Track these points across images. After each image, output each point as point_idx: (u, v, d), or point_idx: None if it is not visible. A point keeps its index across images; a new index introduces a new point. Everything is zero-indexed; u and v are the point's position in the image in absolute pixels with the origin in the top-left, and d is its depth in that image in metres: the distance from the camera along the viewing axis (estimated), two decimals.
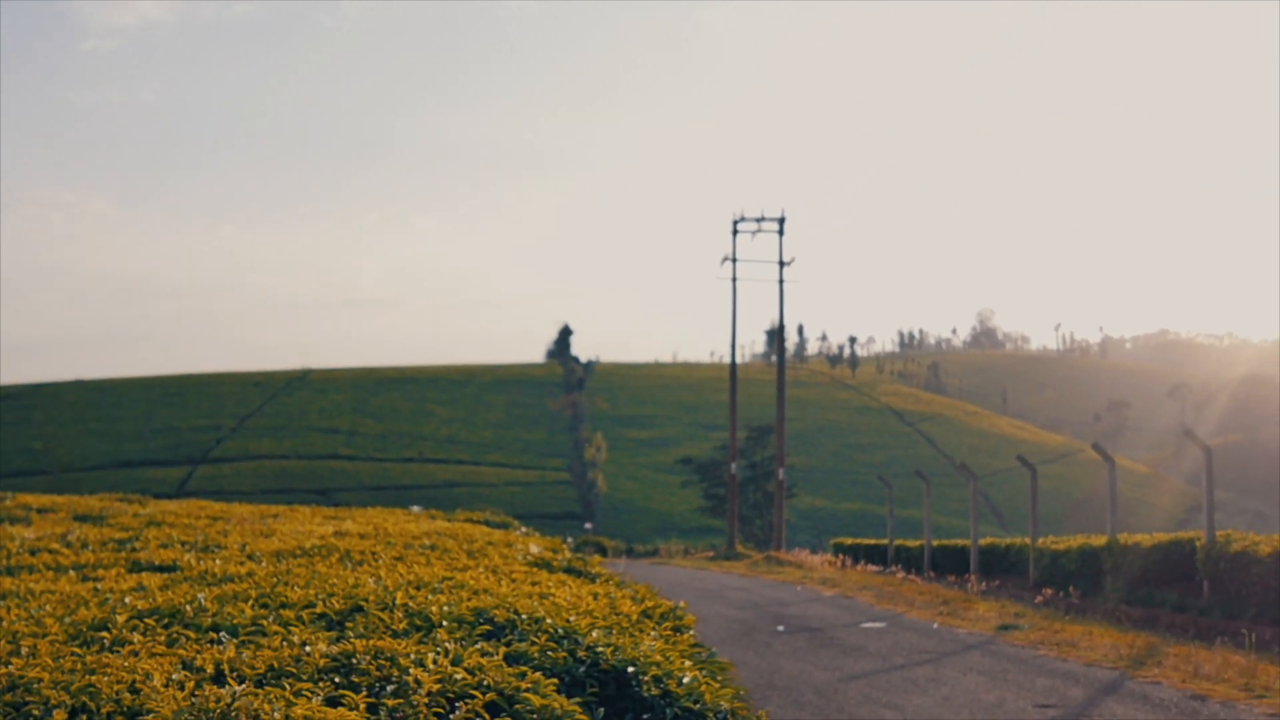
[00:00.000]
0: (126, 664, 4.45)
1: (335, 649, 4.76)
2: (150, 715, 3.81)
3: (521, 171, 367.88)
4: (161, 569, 9.53)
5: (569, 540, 29.15)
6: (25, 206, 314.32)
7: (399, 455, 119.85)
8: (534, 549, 12.22)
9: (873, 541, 31.86)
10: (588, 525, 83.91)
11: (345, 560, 9.45)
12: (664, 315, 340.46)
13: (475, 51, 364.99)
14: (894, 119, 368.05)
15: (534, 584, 7.98)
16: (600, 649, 5.32)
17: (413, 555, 10.10)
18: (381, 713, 4.14)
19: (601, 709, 4.88)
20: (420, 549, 10.95)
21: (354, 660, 4.63)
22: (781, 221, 43.53)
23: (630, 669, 5.19)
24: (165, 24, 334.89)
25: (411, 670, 4.45)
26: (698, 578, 25.93)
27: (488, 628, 5.64)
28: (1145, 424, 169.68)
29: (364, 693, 4.28)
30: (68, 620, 5.77)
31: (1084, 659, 11.26)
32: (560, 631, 5.56)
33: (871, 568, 26.94)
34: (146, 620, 5.62)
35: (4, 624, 5.85)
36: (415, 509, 25.94)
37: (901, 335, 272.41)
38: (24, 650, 4.88)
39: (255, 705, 3.89)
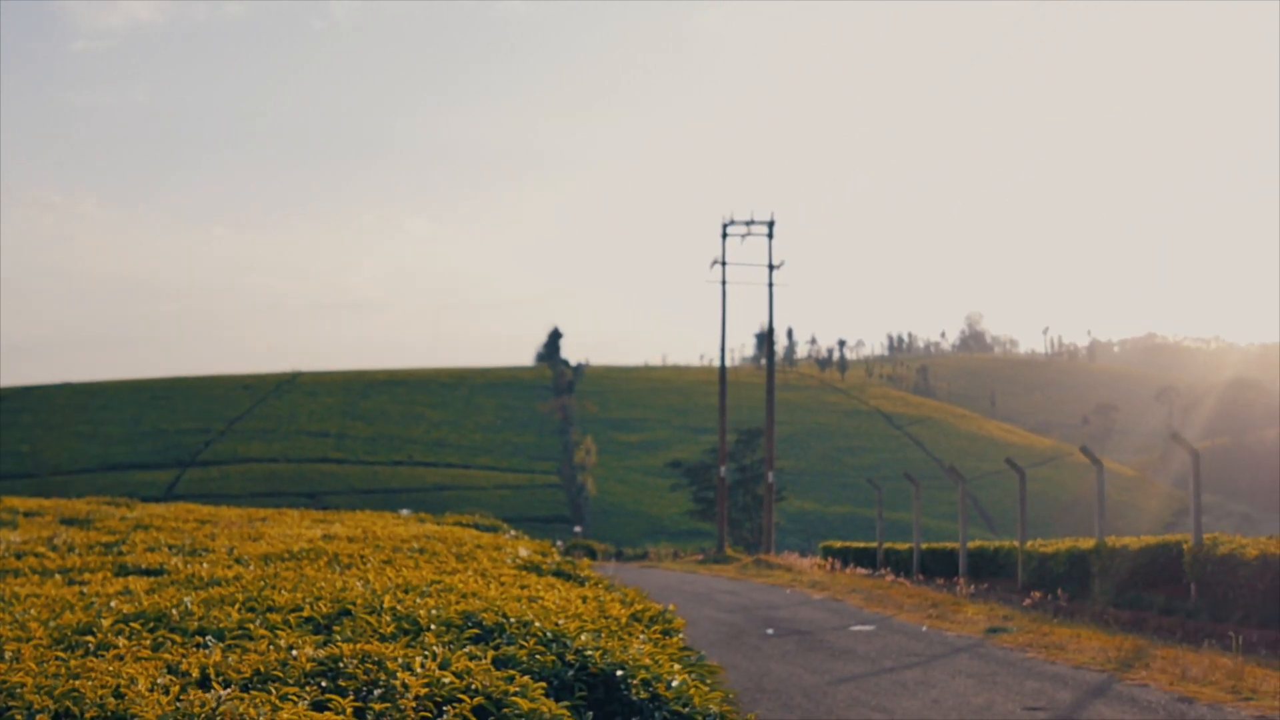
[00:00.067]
0: (111, 668, 4.42)
1: (322, 653, 4.74)
2: None
3: (512, 174, 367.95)
4: (148, 572, 9.48)
5: (558, 543, 29.12)
6: (15, 208, 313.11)
7: (388, 458, 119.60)
8: (523, 552, 12.19)
9: (862, 545, 31.87)
10: (577, 528, 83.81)
11: (333, 564, 9.42)
12: (654, 318, 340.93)
13: (467, 54, 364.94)
14: (884, 123, 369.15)
15: (523, 587, 7.96)
16: (589, 652, 5.30)
17: (401, 558, 10.07)
18: (369, 717, 4.12)
19: (590, 712, 4.87)
20: (409, 552, 10.92)
21: (341, 664, 4.60)
22: (771, 225, 43.56)
23: (619, 672, 5.17)
24: (156, 25, 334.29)
25: (399, 674, 4.43)
26: (687, 581, 25.92)
27: (476, 631, 5.62)
28: (1133, 427, 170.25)
29: (351, 697, 4.25)
30: (52, 624, 5.73)
31: (1072, 661, 11.28)
32: (549, 635, 5.54)
33: (860, 571, 26.96)
34: (132, 624, 5.58)
35: None
36: (404, 512, 25.88)
37: (890, 339, 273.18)
38: (7, 655, 4.84)
39: (241, 709, 3.87)
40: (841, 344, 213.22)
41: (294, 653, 4.76)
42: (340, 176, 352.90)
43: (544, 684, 4.70)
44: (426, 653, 4.84)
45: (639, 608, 7.88)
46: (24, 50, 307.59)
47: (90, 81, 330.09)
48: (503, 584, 8.07)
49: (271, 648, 4.89)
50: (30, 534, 13.66)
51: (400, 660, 4.63)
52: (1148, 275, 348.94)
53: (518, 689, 4.49)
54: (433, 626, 5.60)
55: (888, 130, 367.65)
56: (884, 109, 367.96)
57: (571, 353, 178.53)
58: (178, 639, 5.20)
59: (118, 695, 4.06)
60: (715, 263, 44.15)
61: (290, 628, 5.57)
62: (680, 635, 7.52)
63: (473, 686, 4.43)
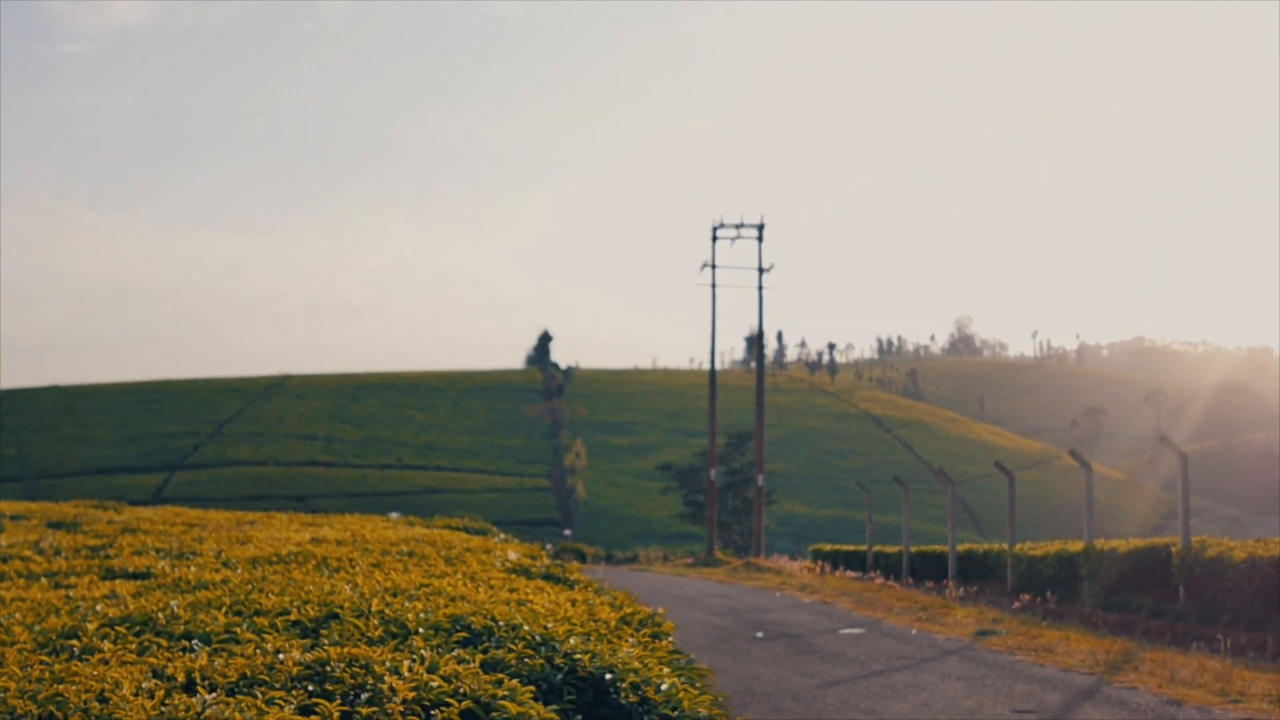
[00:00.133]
0: (96, 672, 4.38)
1: (309, 656, 4.71)
2: None
3: (502, 178, 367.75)
4: (135, 576, 9.42)
5: (548, 547, 29.07)
6: (2, 210, 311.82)
7: (377, 462, 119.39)
8: (512, 555, 12.16)
9: (851, 548, 31.90)
10: (567, 532, 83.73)
11: (322, 567, 9.38)
12: (644, 321, 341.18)
13: (456, 57, 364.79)
14: (874, 126, 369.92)
15: (512, 590, 7.93)
16: (578, 656, 5.28)
17: (390, 562, 10.03)
18: None
19: (579, 716, 4.85)
20: (398, 556, 10.87)
21: (328, 668, 4.57)
22: (760, 228, 43.60)
23: (608, 676, 5.15)
24: (142, 27, 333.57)
25: (386, 678, 4.40)
26: (677, 584, 25.90)
27: (464, 635, 5.60)
28: (1121, 430, 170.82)
29: (338, 701, 4.22)
30: (37, 628, 5.69)
31: (1061, 664, 11.30)
32: (538, 638, 5.51)
33: (850, 574, 26.98)
34: (118, 628, 5.54)
35: None
36: (394, 515, 25.82)
37: (880, 342, 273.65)
38: None
39: (226, 714, 3.84)
40: (831, 347, 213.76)
41: (281, 656, 4.72)
42: (329, 179, 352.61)
43: (533, 687, 4.68)
44: (414, 656, 4.81)
45: (628, 611, 7.86)
46: (11, 52, 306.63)
47: (78, 84, 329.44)
48: (491, 587, 8.04)
49: (258, 651, 4.86)
50: (16, 537, 13.57)
51: (388, 664, 4.60)
52: (1136, 279, 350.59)
53: (506, 693, 4.47)
54: (421, 630, 5.57)
55: (878, 134, 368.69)
56: (874, 113, 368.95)
57: (561, 356, 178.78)
58: (164, 643, 5.16)
59: (102, 700, 4.03)
60: (705, 266, 44.18)
61: (277, 631, 5.54)
62: (670, 638, 7.50)
63: (461, 690, 4.41)
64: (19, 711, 3.93)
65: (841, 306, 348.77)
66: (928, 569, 24.66)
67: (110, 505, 22.38)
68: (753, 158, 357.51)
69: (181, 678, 4.42)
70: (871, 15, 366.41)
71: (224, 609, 6.13)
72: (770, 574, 28.98)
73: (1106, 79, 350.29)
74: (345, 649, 4.78)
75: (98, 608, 6.33)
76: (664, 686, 5.22)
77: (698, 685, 5.76)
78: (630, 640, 6.47)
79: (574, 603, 7.63)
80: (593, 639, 5.82)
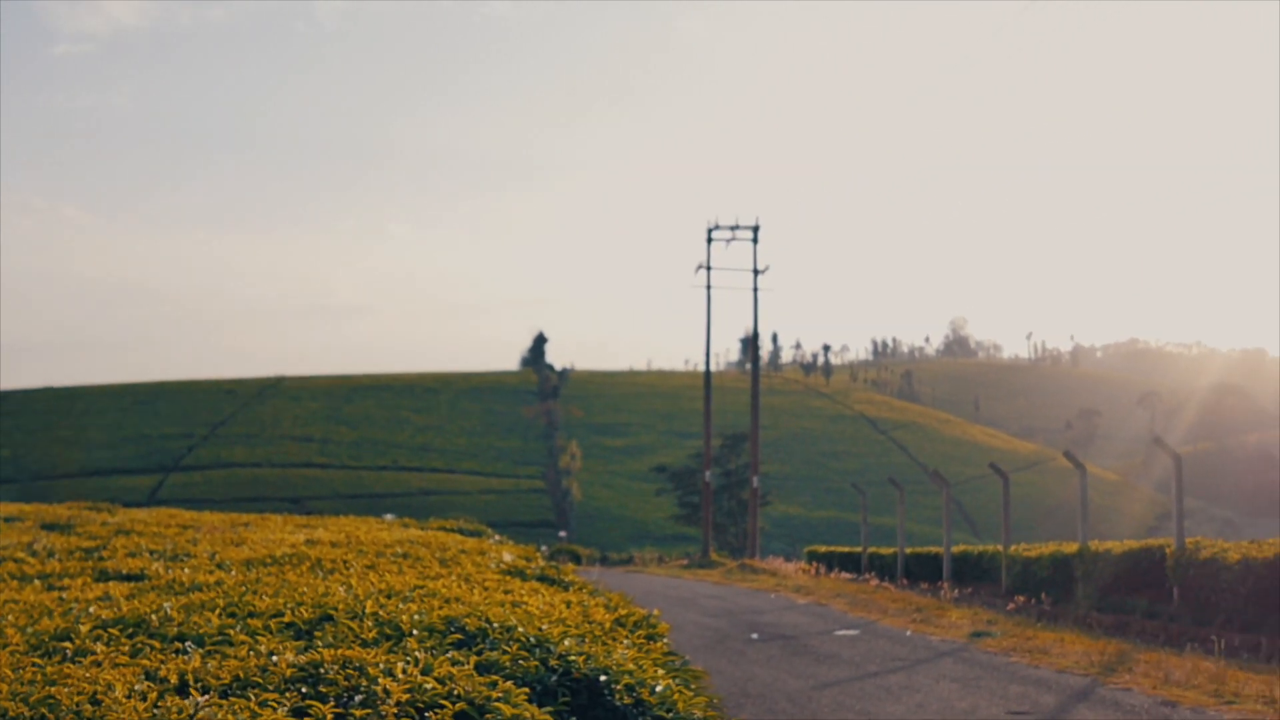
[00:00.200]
0: (88, 674, 4.37)
1: (303, 658, 4.69)
2: None
3: (497, 180, 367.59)
4: (129, 578, 9.40)
5: (543, 548, 29.05)
6: None
7: (373, 463, 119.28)
8: (507, 557, 12.15)
9: (846, 549, 31.91)
10: (562, 533, 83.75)
11: (316, 569, 9.36)
12: (639, 323, 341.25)
13: (450, 59, 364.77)
14: (869, 128, 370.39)
15: (506, 592, 7.92)
16: (572, 657, 5.28)
17: (384, 563, 10.01)
18: None
19: (573, 718, 4.84)
20: (392, 557, 10.86)
21: (322, 670, 4.56)
22: (756, 230, 43.61)
23: (603, 678, 5.15)
24: (138, 29, 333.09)
25: (380, 680, 4.39)
26: (672, 586, 25.89)
27: (459, 636, 5.59)
28: (1116, 432, 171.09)
29: (331, 703, 4.21)
30: (30, 630, 5.67)
31: (1056, 665, 11.31)
32: (532, 640, 5.51)
33: (845, 575, 26.98)
34: (111, 630, 5.53)
35: None
36: (389, 517, 25.80)
37: (875, 343, 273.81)
38: None
39: (219, 716, 3.83)
40: (826, 349, 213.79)
41: (274, 658, 4.71)
42: (324, 181, 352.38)
43: (527, 689, 4.67)
44: (408, 658, 4.80)
45: (623, 613, 7.85)
46: (8, 53, 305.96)
47: (72, 85, 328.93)
48: (486, 589, 8.03)
49: (251, 653, 4.85)
50: (10, 539, 13.54)
51: (382, 666, 4.59)
52: (1131, 281, 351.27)
53: (500, 694, 4.46)
54: (415, 632, 5.56)
55: (873, 135, 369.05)
56: (869, 114, 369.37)
57: (556, 357, 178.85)
58: (157, 645, 5.14)
59: (94, 702, 4.02)
60: (700, 267, 44.19)
61: (271, 633, 5.53)
62: (664, 640, 7.50)
63: (455, 692, 4.40)
64: (11, 714, 3.92)
65: (836, 308, 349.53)
66: (923, 570, 24.67)
67: (104, 507, 22.34)
68: (748, 159, 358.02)
69: (174, 680, 4.41)
70: (867, 17, 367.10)
71: (218, 611, 6.11)
72: (765, 575, 28.98)
73: (1100, 81, 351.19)
74: (339, 651, 4.77)
75: (91, 610, 6.31)
76: (658, 688, 5.22)
77: (692, 687, 5.76)
78: (625, 642, 6.46)
79: (569, 604, 7.62)
80: (587, 641, 5.81)
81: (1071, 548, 18.50)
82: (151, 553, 11.56)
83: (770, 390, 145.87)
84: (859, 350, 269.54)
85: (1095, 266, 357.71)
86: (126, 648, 5.08)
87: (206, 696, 4.07)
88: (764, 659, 12.16)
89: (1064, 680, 10.44)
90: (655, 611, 8.54)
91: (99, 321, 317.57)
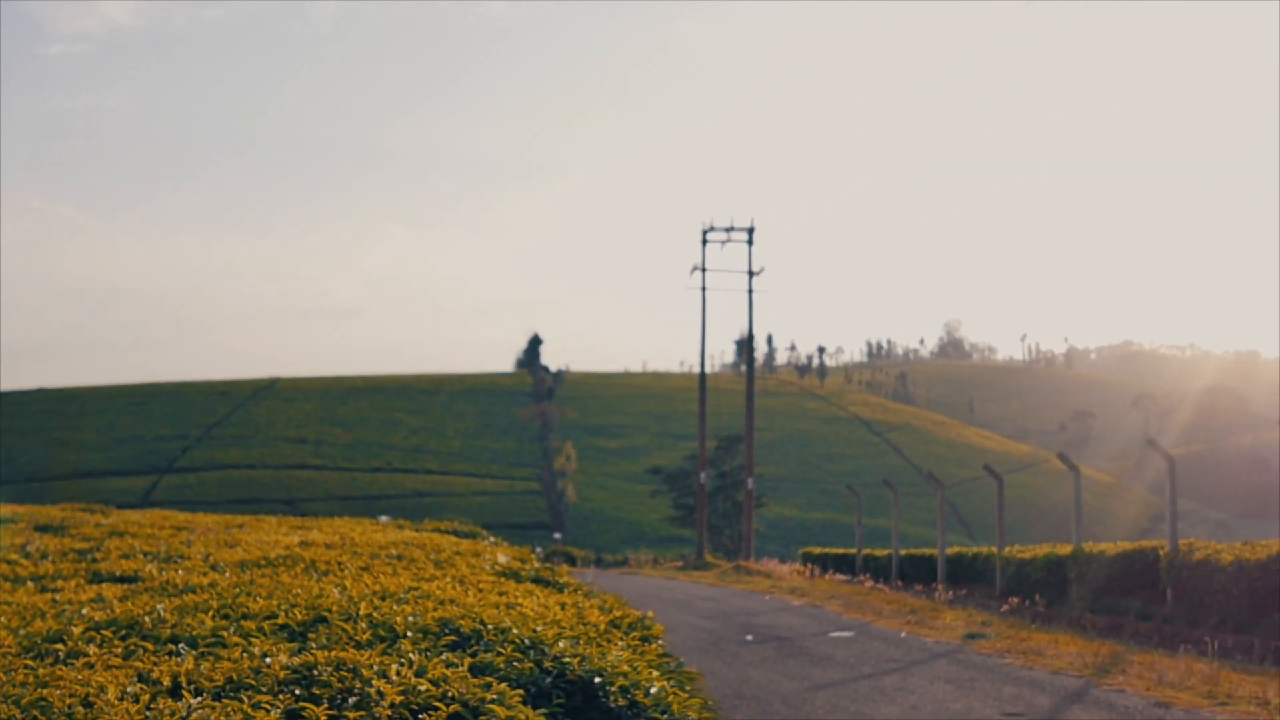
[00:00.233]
0: (80, 676, 4.36)
1: (296, 660, 4.69)
2: None
3: (492, 181, 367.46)
4: (122, 580, 9.38)
5: (538, 550, 29.06)
6: None
7: (367, 465, 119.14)
8: (502, 559, 12.14)
9: (841, 551, 31.93)
10: (557, 535, 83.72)
11: (310, 570, 9.34)
12: (634, 325, 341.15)
13: (446, 61, 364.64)
14: (864, 130, 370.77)
15: (501, 594, 7.91)
16: (567, 659, 5.27)
17: (379, 565, 10.00)
18: None
19: None
20: (387, 559, 10.84)
21: (315, 672, 4.55)
22: (751, 231, 43.64)
23: (597, 679, 5.14)
24: (134, 29, 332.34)
25: (374, 682, 4.38)
26: (666, 587, 25.88)
27: (453, 638, 5.58)
28: (1109, 434, 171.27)
29: (325, 705, 4.20)
30: (22, 632, 5.66)
31: (1050, 667, 11.32)
32: (527, 642, 5.50)
33: (840, 577, 26.99)
34: (104, 632, 5.51)
35: None
36: (383, 519, 25.79)
37: (869, 345, 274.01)
38: None
39: (212, 718, 3.82)
40: (821, 350, 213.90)
41: (268, 660, 4.70)
42: (319, 182, 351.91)
43: (521, 691, 4.67)
44: (403, 660, 4.79)
45: (618, 614, 7.85)
46: (2, 54, 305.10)
47: (68, 85, 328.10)
48: (481, 591, 8.02)
49: (245, 655, 4.84)
50: (3, 541, 13.51)
51: (376, 667, 4.59)
52: (1124, 283, 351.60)
53: (495, 696, 4.45)
54: (409, 633, 5.55)
55: (867, 137, 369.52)
56: (865, 116, 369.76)
57: (551, 359, 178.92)
58: (149, 647, 5.14)
59: (86, 704, 4.01)
60: (695, 269, 44.21)
61: (265, 635, 5.52)
62: (659, 642, 7.49)
63: (449, 694, 4.39)
64: (2, 716, 3.91)
65: (831, 310, 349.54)
66: (917, 572, 24.69)
67: (98, 508, 22.30)
68: (743, 161, 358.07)
69: (167, 682, 4.40)
70: (864, 19, 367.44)
71: (211, 613, 6.10)
72: (760, 577, 28.98)
73: (1094, 85, 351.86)
74: (333, 653, 4.77)
75: (84, 611, 6.30)
76: (653, 690, 5.21)
77: (687, 689, 5.76)
78: (619, 644, 6.46)
79: (563, 606, 7.62)
80: (582, 642, 5.81)
81: (1065, 549, 18.52)
82: (145, 554, 11.54)
83: (765, 392, 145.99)
84: (854, 352, 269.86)
85: (1089, 268, 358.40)
86: (119, 650, 5.07)
87: (199, 699, 4.06)
88: (759, 661, 12.16)
89: (1058, 682, 10.45)
90: (650, 613, 8.54)
91: (93, 323, 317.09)
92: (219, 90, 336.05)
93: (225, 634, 5.40)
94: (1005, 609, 17.58)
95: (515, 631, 5.67)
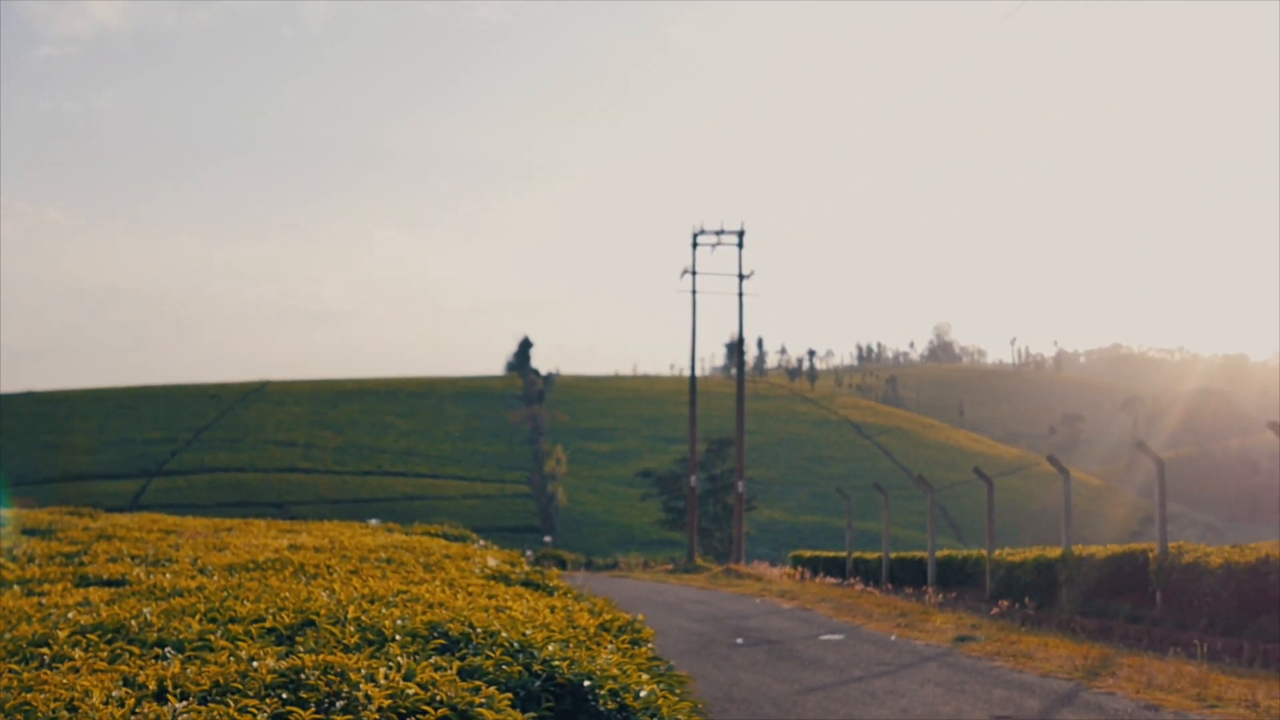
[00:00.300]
0: (66, 681, 4.33)
1: (284, 664, 4.66)
2: None
3: (483, 184, 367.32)
4: (110, 583, 9.33)
5: (528, 553, 28.99)
6: None
7: (357, 468, 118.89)
8: (492, 562, 12.11)
9: (831, 554, 31.95)
10: (547, 538, 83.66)
11: (299, 574, 9.30)
12: (624, 328, 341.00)
13: (439, 63, 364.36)
14: (854, 133, 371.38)
15: (490, 597, 7.88)
16: (557, 662, 5.25)
17: (368, 569, 9.96)
18: None
19: None
20: (376, 562, 10.80)
21: (303, 675, 4.52)
22: (741, 234, 43.68)
23: (587, 683, 5.12)
24: (122, 31, 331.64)
25: (362, 685, 4.36)
26: (657, 590, 25.86)
27: (442, 641, 5.55)
28: (1099, 437, 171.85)
29: (312, 709, 4.18)
30: (7, 636, 5.61)
31: (1040, 670, 11.33)
32: (516, 645, 5.48)
33: (830, 580, 27.01)
34: (90, 636, 5.48)
35: None
36: (373, 522, 25.68)
37: (860, 349, 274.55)
38: None
39: None
40: (811, 354, 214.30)
41: (255, 664, 4.67)
42: (309, 185, 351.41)
43: (510, 695, 4.65)
44: (391, 664, 4.77)
45: (607, 617, 7.83)
46: None
47: (56, 88, 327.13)
48: (470, 594, 7.99)
49: (232, 659, 4.81)
50: None
51: (364, 671, 4.56)
52: (1114, 287, 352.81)
53: (484, 700, 4.43)
54: (398, 637, 5.52)
55: (859, 141, 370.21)
56: (855, 121, 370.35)
57: (542, 362, 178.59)
58: (136, 651, 5.10)
59: (71, 708, 3.97)
60: (685, 272, 44.24)
61: (252, 639, 5.49)
62: (649, 645, 7.48)
63: (438, 698, 4.37)
64: None
65: (821, 313, 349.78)
66: (907, 575, 24.71)
67: (86, 511, 22.19)
68: (734, 164, 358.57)
69: (153, 686, 4.37)
70: (851, 23, 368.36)
71: (198, 616, 6.06)
72: (750, 580, 28.98)
73: (1084, 89, 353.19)
74: (321, 656, 4.74)
75: (70, 615, 6.26)
76: (643, 693, 5.20)
77: (677, 692, 5.74)
78: (609, 647, 6.44)
79: (553, 609, 7.59)
80: (571, 646, 5.79)
81: (1055, 552, 18.55)
82: (133, 558, 11.48)
83: (755, 395, 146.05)
84: (844, 355, 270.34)
85: (1078, 272, 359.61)
86: (105, 654, 5.04)
87: (185, 703, 4.03)
88: (749, 664, 12.15)
89: (1048, 684, 10.46)
90: (640, 616, 8.52)
91: (82, 325, 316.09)
92: (209, 92, 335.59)
93: (212, 638, 5.37)
94: (995, 612, 17.60)
95: (504, 635, 5.65)
